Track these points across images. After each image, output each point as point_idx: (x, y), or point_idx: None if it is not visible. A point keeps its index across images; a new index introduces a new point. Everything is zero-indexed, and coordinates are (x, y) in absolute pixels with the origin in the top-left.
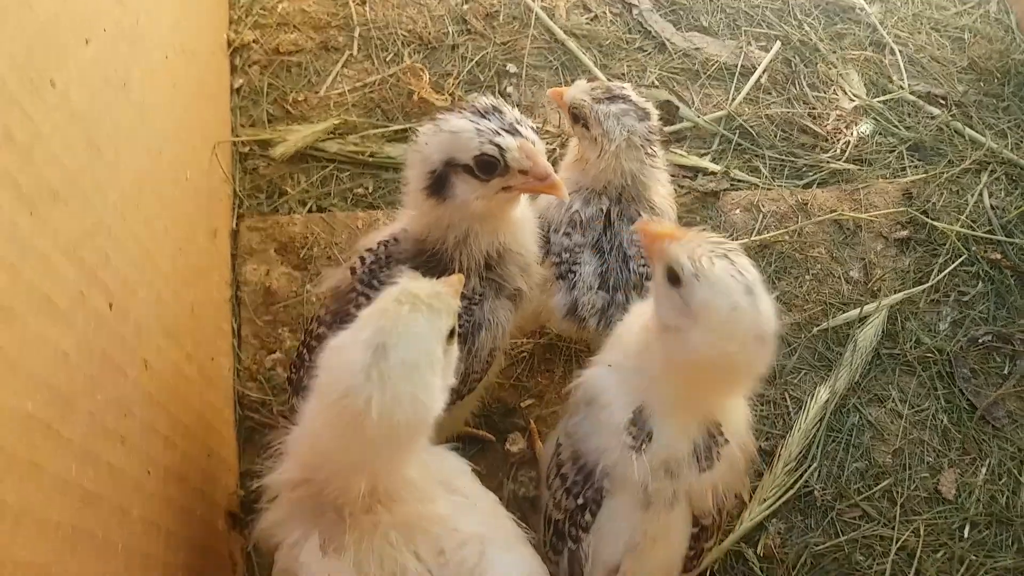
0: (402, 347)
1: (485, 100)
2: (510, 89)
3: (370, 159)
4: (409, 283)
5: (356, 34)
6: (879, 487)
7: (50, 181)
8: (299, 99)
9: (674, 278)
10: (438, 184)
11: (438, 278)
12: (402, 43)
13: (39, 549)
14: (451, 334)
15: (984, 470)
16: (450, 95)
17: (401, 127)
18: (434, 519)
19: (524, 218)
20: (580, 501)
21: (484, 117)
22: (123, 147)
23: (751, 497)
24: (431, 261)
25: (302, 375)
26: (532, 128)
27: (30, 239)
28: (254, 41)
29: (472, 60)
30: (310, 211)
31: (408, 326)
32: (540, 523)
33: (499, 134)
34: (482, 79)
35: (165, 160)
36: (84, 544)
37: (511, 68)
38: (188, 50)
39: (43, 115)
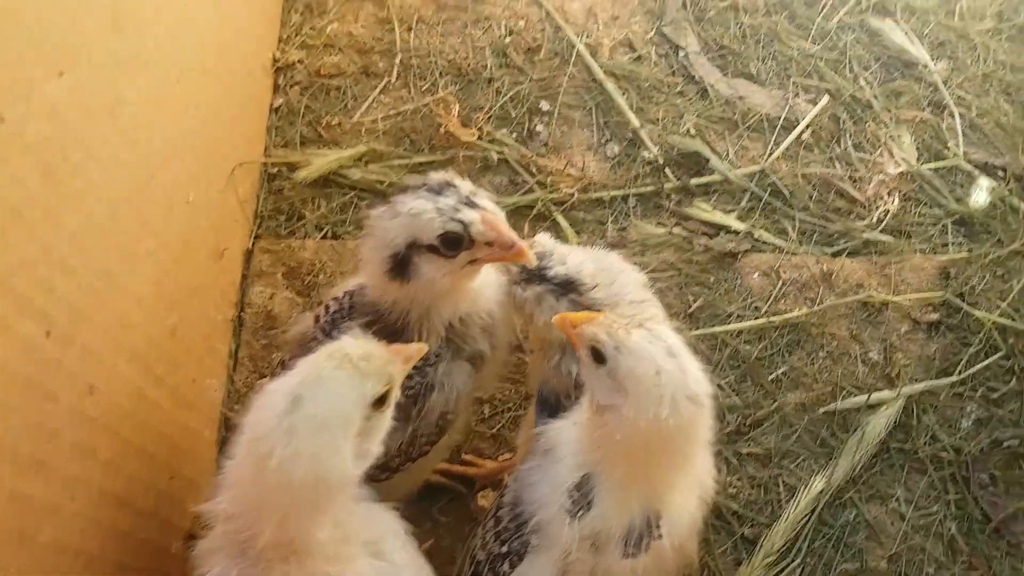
0: (316, 402)
1: (437, 176)
2: (540, 127)
3: (388, 190)
4: (348, 340)
5: (397, 60)
6: None
7: None
8: (333, 123)
9: (599, 356)
10: (401, 266)
11: (400, 339)
12: (440, 73)
13: None
14: (381, 401)
15: None
16: (478, 130)
17: (425, 159)
18: None
19: (484, 284)
20: (504, 549)
21: (440, 194)
22: (95, 175)
23: None
24: (389, 316)
25: None
26: (489, 199)
27: None
28: (299, 61)
29: (506, 95)
30: (325, 237)
31: (327, 383)
32: (462, 558)
33: (458, 210)
34: (513, 115)
35: (157, 184)
36: None
37: (544, 106)
38: (214, 71)
39: None
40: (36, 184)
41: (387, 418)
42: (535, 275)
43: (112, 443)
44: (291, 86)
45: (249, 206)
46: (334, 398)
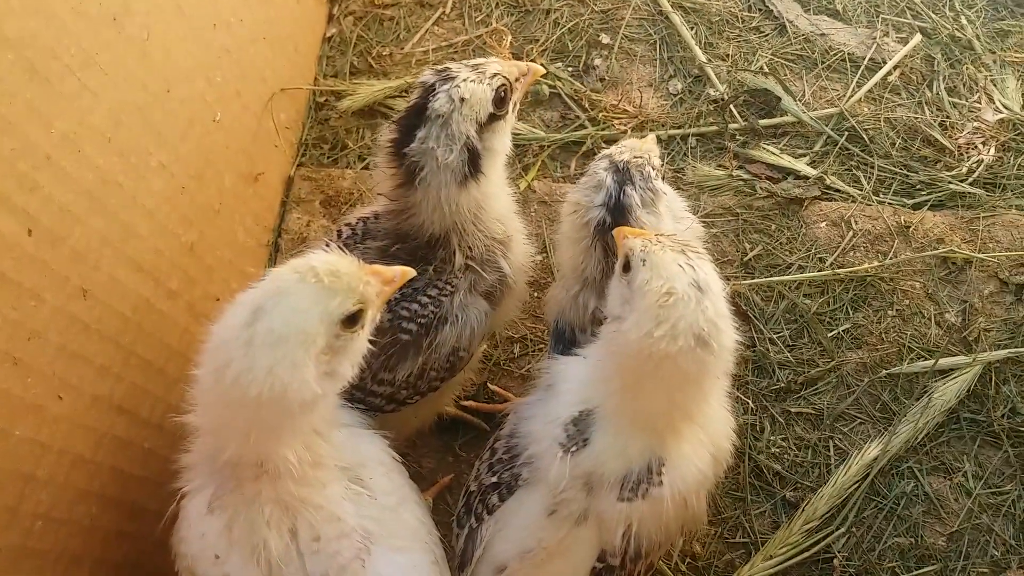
0: (275, 316)
1: (429, 72)
2: (598, 61)
3: None
4: (318, 254)
5: None
6: (920, 572)
7: None
8: (384, 54)
9: (627, 265)
10: (475, 160)
11: (421, 263)
12: (496, 4)
13: None
14: (353, 320)
15: None
16: (530, 62)
17: None
18: (311, 504)
19: (503, 191)
20: (495, 480)
21: (451, 78)
22: (93, 80)
23: (757, 551)
24: (406, 240)
25: None
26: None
27: None
28: None
29: (564, 27)
30: (366, 167)
31: (288, 296)
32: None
33: (485, 71)
34: (570, 48)
35: (174, 98)
36: None
37: (604, 39)
38: None
39: None
40: (18, 79)
41: (361, 340)
42: (629, 179)
43: (110, 351)
44: (345, 16)
45: (293, 133)
46: (295, 313)
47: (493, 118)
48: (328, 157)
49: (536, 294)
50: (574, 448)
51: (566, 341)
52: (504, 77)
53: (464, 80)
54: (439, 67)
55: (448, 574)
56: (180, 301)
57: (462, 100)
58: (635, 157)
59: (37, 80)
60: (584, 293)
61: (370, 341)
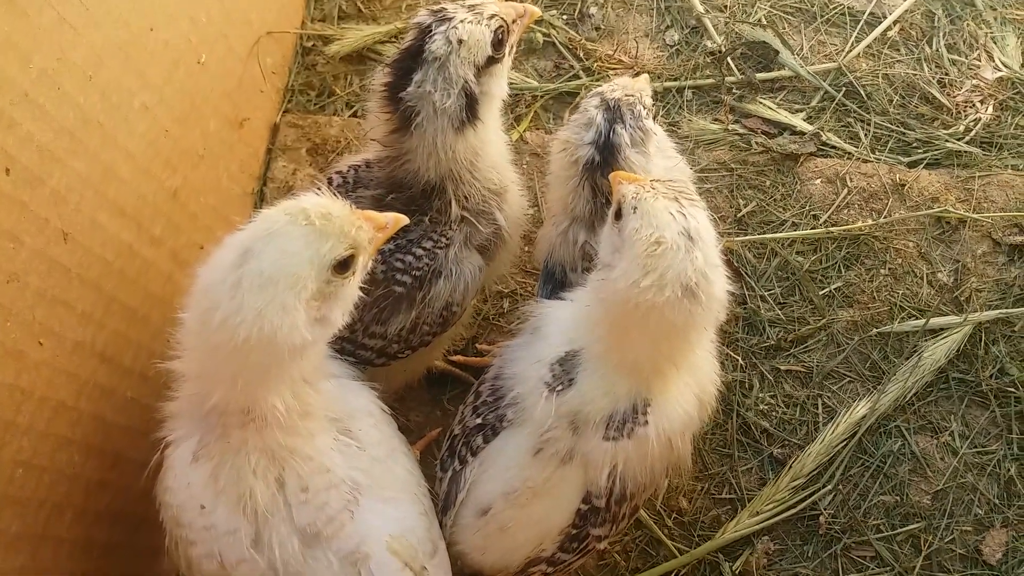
0: (264, 257)
1: (424, 13)
2: (593, 9)
3: None
4: (310, 196)
5: None
6: (904, 529)
7: None
8: None
9: (619, 212)
10: (472, 105)
11: (407, 211)
12: None
13: None
14: (345, 265)
15: None
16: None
17: None
18: (299, 455)
19: (499, 139)
20: (479, 421)
21: (448, 19)
22: (72, 14)
23: (743, 507)
24: (401, 189)
25: None
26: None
27: None
28: None
29: None
30: (354, 115)
31: (279, 238)
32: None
33: (481, 13)
34: None
35: (157, 38)
36: None
37: None
38: None
39: None
40: None
41: (352, 287)
42: (620, 117)
43: (92, 297)
44: None
45: (279, 78)
46: (285, 255)
47: (491, 61)
48: (315, 104)
49: (527, 248)
50: (560, 387)
51: (556, 282)
52: (502, 18)
53: (462, 21)
54: (434, 7)
55: (437, 525)
56: (164, 248)
57: (460, 42)
58: (626, 95)
59: (15, 12)
60: (574, 228)
61: (363, 291)
